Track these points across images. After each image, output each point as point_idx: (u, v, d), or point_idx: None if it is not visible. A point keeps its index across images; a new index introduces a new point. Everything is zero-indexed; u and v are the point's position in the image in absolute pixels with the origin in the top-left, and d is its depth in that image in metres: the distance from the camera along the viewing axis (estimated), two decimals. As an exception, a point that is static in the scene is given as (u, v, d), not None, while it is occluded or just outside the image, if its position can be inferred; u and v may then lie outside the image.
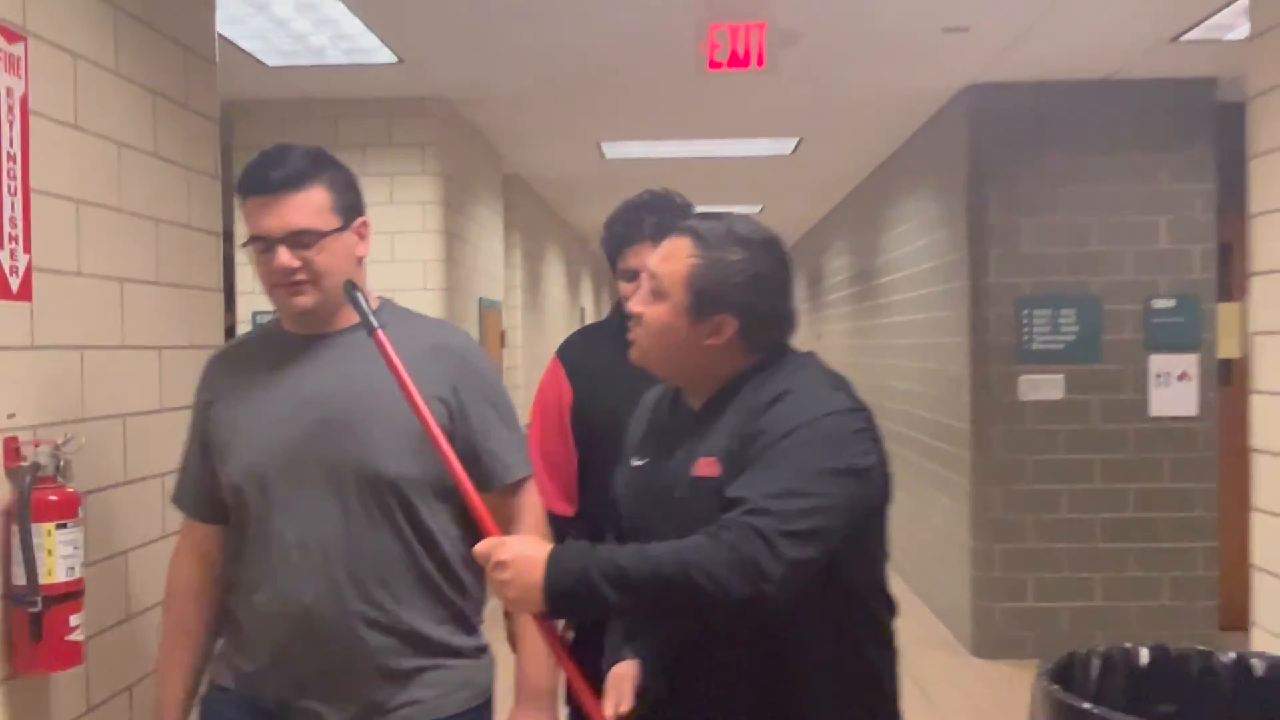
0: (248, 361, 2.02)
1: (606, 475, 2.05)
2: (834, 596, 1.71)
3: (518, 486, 2.00)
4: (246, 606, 1.93)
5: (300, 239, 1.85)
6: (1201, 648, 2.65)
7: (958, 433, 5.85)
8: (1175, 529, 5.44)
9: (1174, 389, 5.44)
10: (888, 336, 7.89)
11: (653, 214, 2.48)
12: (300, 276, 1.86)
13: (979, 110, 5.51)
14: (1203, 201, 5.37)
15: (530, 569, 1.60)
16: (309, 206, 1.86)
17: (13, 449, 1.95)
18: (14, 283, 1.98)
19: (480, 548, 1.68)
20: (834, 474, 1.64)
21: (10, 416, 1.97)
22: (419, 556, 1.90)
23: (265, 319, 2.23)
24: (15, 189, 1.99)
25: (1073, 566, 5.49)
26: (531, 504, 2.03)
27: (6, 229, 1.96)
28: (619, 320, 2.49)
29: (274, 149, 1.91)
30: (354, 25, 4.34)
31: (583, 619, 1.91)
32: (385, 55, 4.78)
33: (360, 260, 1.95)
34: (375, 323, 1.83)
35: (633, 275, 2.44)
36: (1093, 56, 4.95)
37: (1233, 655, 2.56)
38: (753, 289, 1.76)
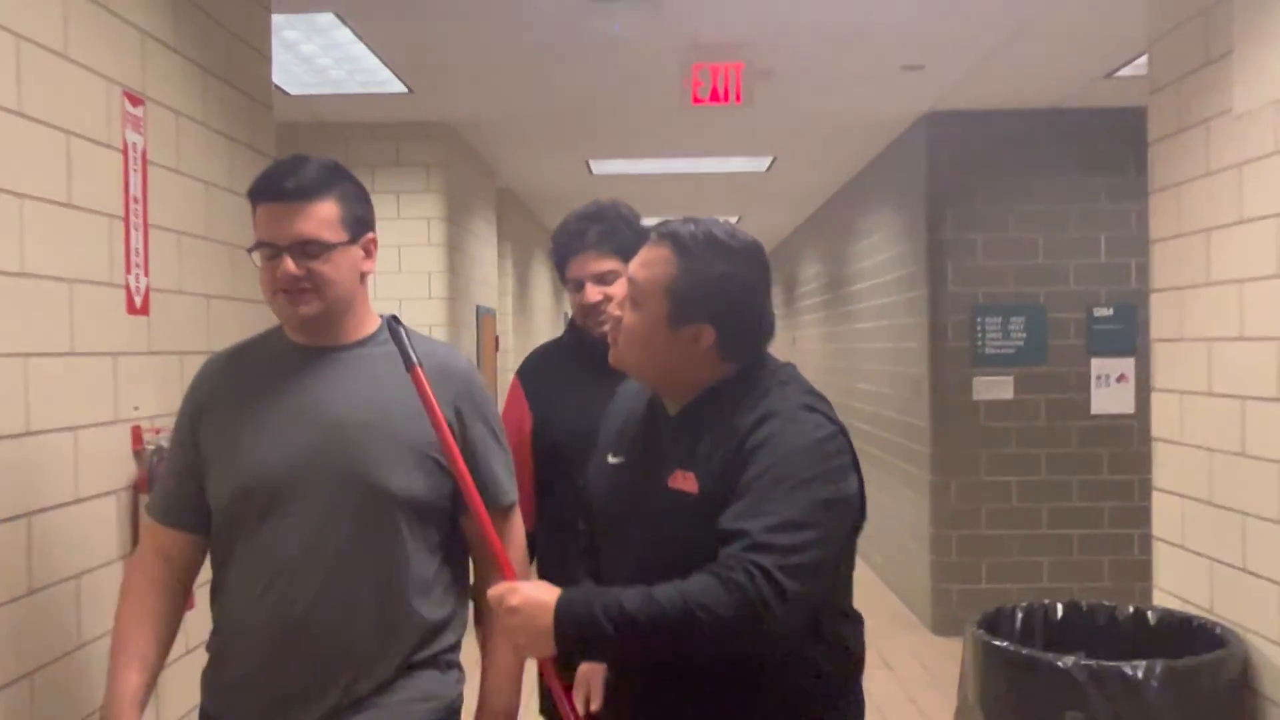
0: (247, 369, 1.98)
1: (570, 490, 2.17)
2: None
3: (509, 509, 2.01)
4: (233, 614, 1.91)
5: (307, 249, 1.84)
6: (1106, 602, 3.20)
7: (919, 430, 6.37)
8: (1114, 517, 5.98)
9: (1113, 389, 5.99)
10: (857, 341, 8.42)
11: (596, 223, 2.51)
12: (304, 285, 1.85)
13: (936, 136, 6.04)
14: (1137, 219, 5.90)
15: (541, 614, 1.60)
16: (318, 217, 1.85)
17: (138, 435, 2.42)
18: (138, 300, 2.46)
19: (494, 592, 1.69)
20: (827, 504, 1.63)
21: (135, 409, 2.44)
22: (413, 572, 1.88)
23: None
24: (139, 225, 2.46)
25: (1022, 551, 6.02)
26: (518, 525, 2.04)
27: (134, 258, 2.44)
28: (572, 337, 2.66)
29: (290, 159, 1.91)
30: (372, 62, 4.80)
31: (590, 661, 1.87)
32: (397, 86, 5.25)
33: (364, 276, 1.94)
34: (415, 359, 1.81)
35: (579, 285, 2.53)
36: (1037, 90, 5.48)
37: (1131, 609, 3.10)
38: (732, 299, 1.74)
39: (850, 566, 1.81)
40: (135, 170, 2.44)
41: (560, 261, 2.58)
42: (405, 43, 4.60)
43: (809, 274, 11.12)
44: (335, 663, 1.83)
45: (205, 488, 1.91)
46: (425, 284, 6.07)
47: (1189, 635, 2.88)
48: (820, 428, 1.70)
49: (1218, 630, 2.82)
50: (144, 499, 2.18)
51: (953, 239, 6.05)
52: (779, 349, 1.98)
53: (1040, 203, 5.96)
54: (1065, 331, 5.98)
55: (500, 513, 1.96)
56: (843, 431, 1.75)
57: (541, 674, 1.83)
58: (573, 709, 1.85)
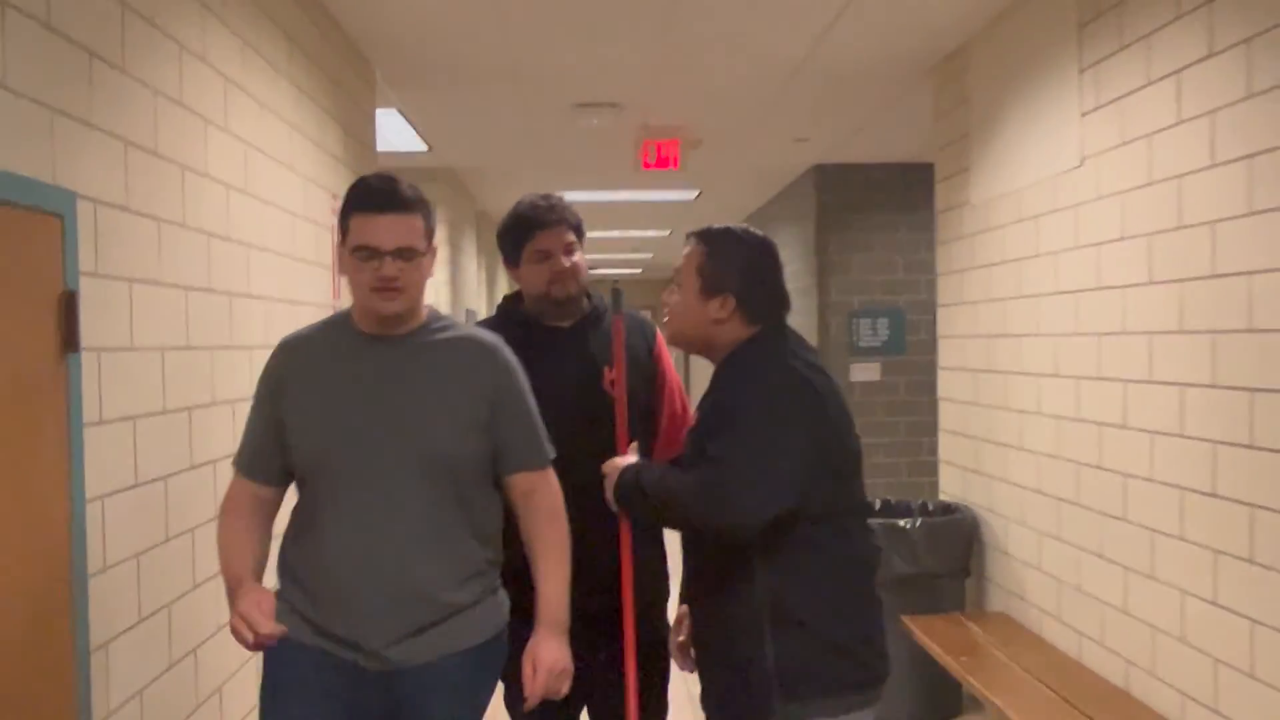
0: (319, 351, 2.20)
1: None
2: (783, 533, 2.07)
3: (544, 468, 2.26)
4: (315, 558, 2.13)
5: (403, 254, 2.07)
6: (901, 500, 5.15)
7: (811, 404, 8.34)
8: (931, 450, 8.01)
9: (952, 372, 8.01)
10: (767, 337, 10.38)
11: (555, 204, 2.71)
12: (396, 285, 2.07)
13: (822, 181, 8.00)
14: (970, 246, 7.96)
15: (614, 474, 2.29)
16: (413, 228, 2.09)
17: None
18: (338, 315, 4.26)
19: (606, 465, 2.33)
20: (769, 435, 2.03)
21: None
22: (467, 518, 2.16)
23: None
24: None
25: (886, 492, 8.00)
26: (551, 480, 2.27)
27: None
28: (504, 313, 2.80)
29: (383, 177, 2.16)
30: (411, 134, 6.57)
31: (639, 514, 2.32)
32: (420, 146, 7.02)
33: (427, 279, 2.19)
34: (619, 309, 2.52)
35: (546, 255, 2.64)
36: (892, 151, 7.45)
37: (923, 500, 5.05)
38: (747, 273, 2.16)
39: (849, 487, 2.20)
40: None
41: (522, 237, 2.68)
42: (437, 125, 6.38)
43: (730, 279, 13.07)
44: (411, 593, 2.10)
45: (287, 451, 2.16)
46: (434, 294, 7.86)
47: (948, 510, 4.86)
48: (785, 376, 2.09)
49: (960, 507, 4.81)
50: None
51: (835, 259, 8.02)
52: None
53: (899, 232, 7.93)
54: (918, 329, 7.96)
55: (537, 470, 2.25)
56: (809, 378, 2.11)
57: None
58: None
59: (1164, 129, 3.21)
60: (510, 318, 2.74)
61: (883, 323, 8.04)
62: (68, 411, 2.07)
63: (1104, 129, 3.57)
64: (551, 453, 2.27)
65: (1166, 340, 3.22)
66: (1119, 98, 3.47)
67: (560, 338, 2.69)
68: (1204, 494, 3.04)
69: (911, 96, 5.60)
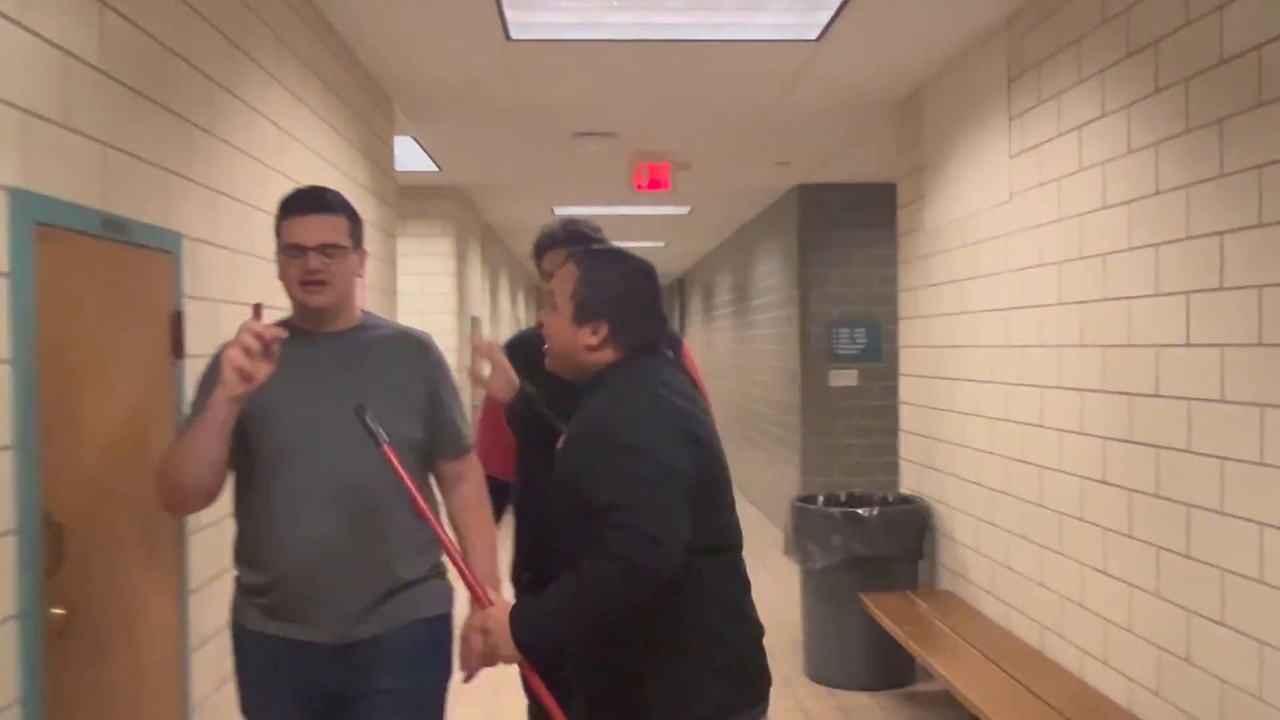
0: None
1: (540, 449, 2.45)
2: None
3: (469, 451, 2.43)
4: (273, 542, 2.24)
5: (327, 250, 2.25)
6: (865, 492, 5.74)
7: (793, 407, 8.93)
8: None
9: (924, 379, 8.59)
10: (755, 344, 10.98)
11: (568, 228, 3.02)
12: (321, 277, 2.23)
13: (804, 200, 8.59)
14: (941, 261, 8.55)
15: (503, 630, 1.97)
16: (337, 227, 2.28)
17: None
18: (364, 325, 4.84)
19: (468, 624, 2.08)
20: (645, 464, 1.95)
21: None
22: (411, 496, 2.20)
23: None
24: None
25: (862, 488, 8.60)
26: (476, 465, 2.43)
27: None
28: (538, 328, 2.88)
29: (312, 187, 2.38)
30: (423, 157, 7.16)
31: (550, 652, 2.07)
32: (431, 166, 7.61)
33: (358, 279, 2.30)
34: (384, 439, 2.14)
35: (551, 274, 2.76)
36: (869, 173, 8.04)
37: (884, 494, 5.64)
38: (621, 301, 2.11)
39: (718, 518, 2.08)
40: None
41: (539, 253, 3.03)
42: (447, 150, 6.98)
43: (722, 289, 13.68)
44: (367, 569, 2.24)
45: (242, 444, 2.23)
46: (442, 303, 8.44)
47: (904, 501, 5.45)
48: (653, 400, 2.02)
49: (915, 498, 5.40)
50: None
51: (815, 273, 8.61)
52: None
53: (874, 248, 8.50)
54: (892, 339, 8.54)
55: (463, 456, 2.42)
56: (670, 406, 2.04)
57: (524, 678, 2.14)
58: (557, 705, 2.10)
59: (1069, 174, 3.80)
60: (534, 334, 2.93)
61: (859, 332, 8.62)
62: (176, 403, 2.65)
63: (1027, 170, 4.16)
64: (471, 438, 2.47)
65: (1071, 353, 3.81)
66: (1038, 144, 4.06)
67: None
68: (1097, 481, 3.62)
69: (884, 126, 6.19)
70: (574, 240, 2.95)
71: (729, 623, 2.11)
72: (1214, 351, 2.95)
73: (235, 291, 3.13)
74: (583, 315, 2.11)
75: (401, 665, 2.29)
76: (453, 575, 2.33)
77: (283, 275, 2.30)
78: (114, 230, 2.32)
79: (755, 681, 2.15)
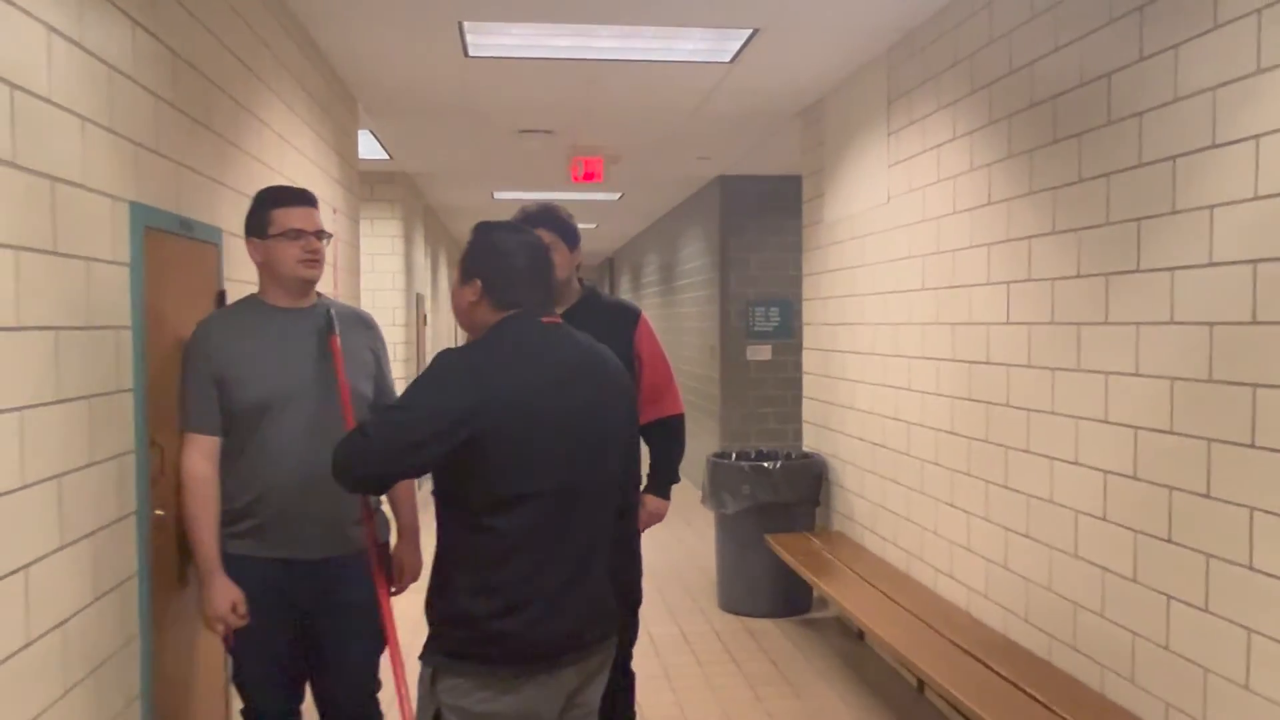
0: (245, 322, 2.83)
1: None
2: (447, 497, 2.24)
3: None
4: (258, 480, 2.75)
5: (320, 234, 2.85)
6: (772, 449, 6.63)
7: (713, 380, 9.80)
8: (831, 433, 9.51)
9: (831, 353, 9.50)
10: (680, 321, 11.83)
11: (543, 212, 3.42)
12: (319, 257, 2.83)
13: (725, 190, 9.43)
14: (847, 247, 9.45)
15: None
16: (320, 218, 2.92)
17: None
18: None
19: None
20: (416, 398, 2.21)
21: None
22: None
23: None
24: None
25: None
26: None
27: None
28: None
29: (294, 186, 2.98)
30: (376, 147, 7.82)
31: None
32: (383, 154, 8.26)
33: None
34: (336, 330, 2.83)
35: None
36: (779, 165, 8.89)
37: (787, 450, 6.52)
38: (491, 260, 2.31)
39: (504, 468, 2.17)
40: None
41: None
42: (400, 141, 7.65)
43: (650, 269, 14.50)
44: (336, 502, 2.72)
45: (227, 400, 2.73)
46: (390, 281, 9.11)
47: (804, 456, 6.33)
48: (444, 359, 2.23)
49: (814, 454, 6.30)
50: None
51: (735, 256, 9.47)
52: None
53: (788, 235, 9.36)
54: (802, 317, 9.44)
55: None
56: (468, 360, 2.23)
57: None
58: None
59: (930, 184, 4.67)
60: None
61: (774, 311, 9.51)
62: (219, 364, 3.37)
63: (900, 178, 5.03)
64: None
65: (930, 330, 4.69)
66: (909, 158, 4.93)
67: None
68: (948, 433, 4.52)
69: (793, 128, 7.03)
70: (549, 223, 3.32)
71: (498, 576, 2.20)
72: (1024, 329, 3.84)
73: (253, 274, 3.84)
74: (465, 275, 2.32)
75: (359, 580, 2.85)
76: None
77: (276, 255, 2.80)
78: (185, 229, 3.04)
79: (511, 641, 2.21)
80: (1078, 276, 3.47)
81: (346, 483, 2.25)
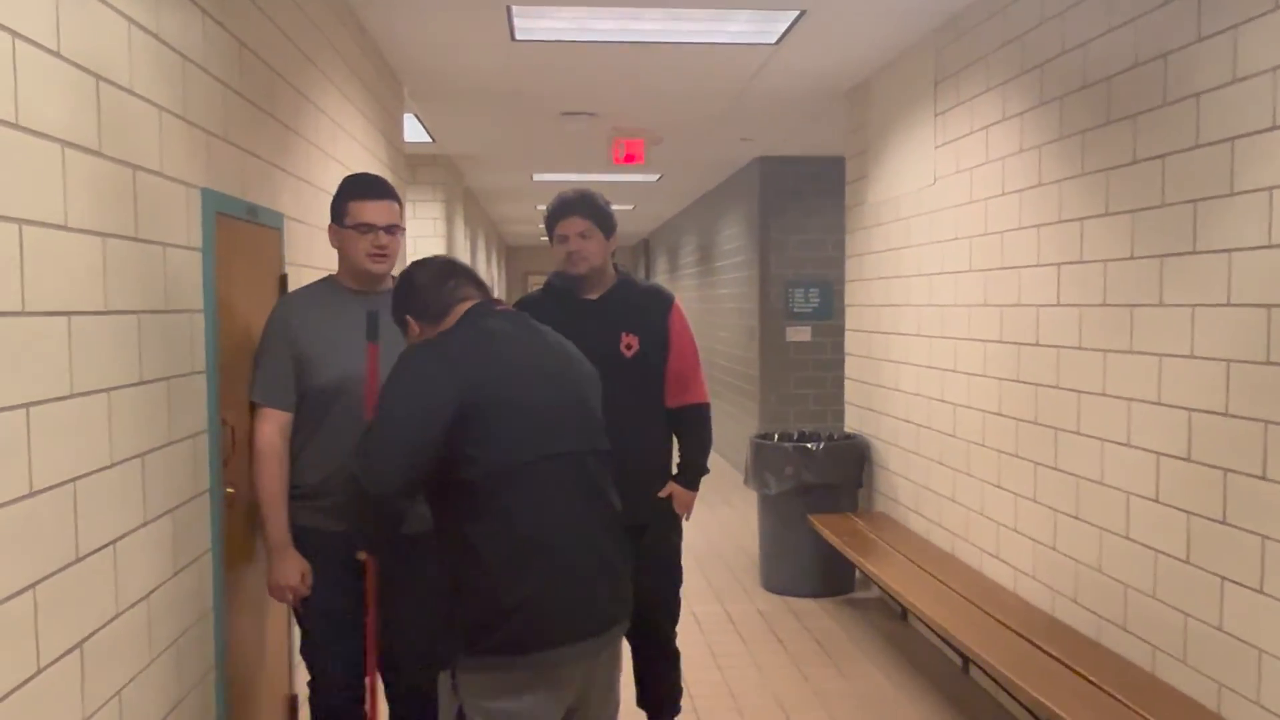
0: (318, 303, 2.92)
1: None
2: (441, 486, 2.27)
3: None
4: (329, 459, 2.81)
5: (390, 229, 2.89)
6: (814, 430, 6.65)
7: (752, 361, 9.82)
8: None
9: (871, 335, 9.49)
10: (718, 302, 11.85)
11: (580, 198, 3.39)
12: (387, 251, 2.88)
13: (765, 171, 9.42)
14: (887, 228, 9.41)
15: None
16: (396, 211, 2.92)
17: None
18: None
19: None
20: (393, 410, 2.25)
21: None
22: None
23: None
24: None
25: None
26: None
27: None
28: (548, 288, 3.49)
29: (372, 175, 2.99)
30: (420, 130, 7.89)
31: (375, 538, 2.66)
32: (426, 137, 8.33)
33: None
34: (378, 337, 2.80)
35: (563, 239, 3.32)
36: (820, 146, 8.87)
37: (830, 432, 6.55)
38: (407, 299, 2.46)
39: (501, 438, 2.24)
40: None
41: (553, 221, 3.38)
42: (444, 125, 7.71)
43: (688, 250, 14.51)
44: None
45: (302, 379, 2.82)
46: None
47: (847, 438, 6.36)
48: (423, 354, 2.31)
49: (856, 435, 6.32)
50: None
51: (775, 238, 9.46)
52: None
53: (828, 216, 9.36)
54: (844, 298, 9.43)
55: None
56: (438, 354, 2.30)
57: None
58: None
59: (979, 165, 4.67)
60: (552, 288, 3.47)
61: (814, 292, 9.51)
62: (282, 346, 3.44)
63: (947, 160, 5.02)
64: None
65: (978, 311, 4.70)
66: (956, 139, 4.92)
67: (589, 307, 3.41)
68: (994, 414, 4.53)
69: (837, 108, 7.02)
70: (585, 210, 3.35)
71: (513, 563, 2.23)
72: (1075, 310, 3.84)
73: (312, 258, 3.91)
74: (400, 324, 2.50)
75: (426, 554, 2.75)
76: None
77: (348, 245, 2.88)
78: (252, 215, 3.11)
79: (522, 630, 2.24)
80: (1131, 258, 3.47)
81: (380, 499, 2.24)
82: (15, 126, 1.79)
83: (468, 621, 2.25)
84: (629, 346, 3.34)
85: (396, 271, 2.94)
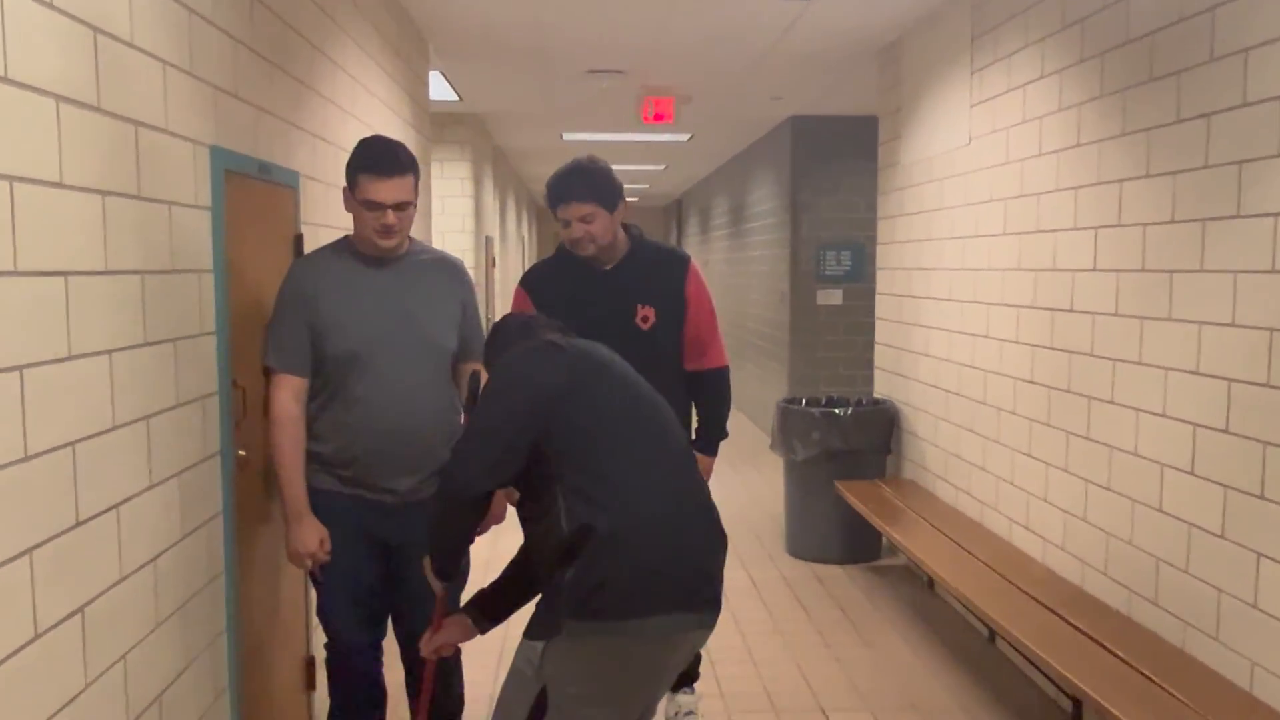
0: (336, 270, 2.84)
1: None
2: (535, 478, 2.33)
3: (479, 361, 2.90)
4: (345, 425, 2.81)
5: (399, 207, 2.76)
6: (842, 395, 6.56)
7: (782, 324, 9.71)
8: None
9: (903, 298, 9.34)
10: (748, 265, 11.72)
11: (580, 178, 3.20)
12: (395, 229, 2.78)
13: (797, 131, 9.25)
14: (922, 190, 9.22)
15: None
16: (407, 187, 2.77)
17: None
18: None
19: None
20: (490, 412, 2.34)
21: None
22: (449, 396, 2.92)
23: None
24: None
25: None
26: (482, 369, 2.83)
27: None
28: (560, 254, 3.40)
29: (384, 143, 2.82)
30: (446, 88, 7.80)
31: (450, 551, 2.56)
32: (453, 96, 8.24)
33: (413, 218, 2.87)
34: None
35: (566, 223, 3.23)
36: (853, 106, 8.69)
37: (858, 397, 6.45)
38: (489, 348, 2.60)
39: (575, 429, 2.29)
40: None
41: (553, 205, 3.24)
42: (471, 83, 7.61)
43: (719, 211, 14.35)
44: (421, 447, 2.84)
45: (318, 345, 2.78)
46: (460, 223, 9.14)
47: (875, 403, 6.26)
48: (501, 370, 2.41)
49: (885, 401, 6.21)
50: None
51: (806, 199, 9.31)
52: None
53: (859, 176, 9.17)
54: (875, 261, 9.28)
55: (476, 359, 2.93)
56: (541, 352, 2.39)
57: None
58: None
59: (1015, 125, 4.52)
60: (565, 258, 3.38)
61: (845, 255, 9.36)
62: (297, 307, 3.40)
63: (983, 119, 4.87)
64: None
65: (1011, 276, 4.57)
66: (992, 97, 4.76)
67: (602, 279, 3.35)
68: (1026, 381, 4.42)
69: (870, 66, 6.85)
70: (584, 191, 3.22)
71: (616, 530, 2.19)
72: (1112, 275, 3.72)
73: (329, 218, 3.86)
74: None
75: None
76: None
77: (358, 217, 2.81)
78: (264, 173, 3.05)
79: (614, 600, 2.18)
80: (1172, 222, 3.34)
81: (467, 499, 2.34)
82: (4, 80, 1.73)
83: (583, 583, 2.17)
84: (645, 319, 3.28)
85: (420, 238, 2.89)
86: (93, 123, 2.04)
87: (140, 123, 2.25)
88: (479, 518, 2.41)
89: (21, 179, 1.78)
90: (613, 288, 3.33)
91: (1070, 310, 4.03)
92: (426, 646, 2.67)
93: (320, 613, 3.04)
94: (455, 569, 2.58)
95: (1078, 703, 3.88)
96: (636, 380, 2.42)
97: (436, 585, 2.64)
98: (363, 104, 4.50)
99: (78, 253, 1.98)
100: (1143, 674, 3.18)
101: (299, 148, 3.48)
